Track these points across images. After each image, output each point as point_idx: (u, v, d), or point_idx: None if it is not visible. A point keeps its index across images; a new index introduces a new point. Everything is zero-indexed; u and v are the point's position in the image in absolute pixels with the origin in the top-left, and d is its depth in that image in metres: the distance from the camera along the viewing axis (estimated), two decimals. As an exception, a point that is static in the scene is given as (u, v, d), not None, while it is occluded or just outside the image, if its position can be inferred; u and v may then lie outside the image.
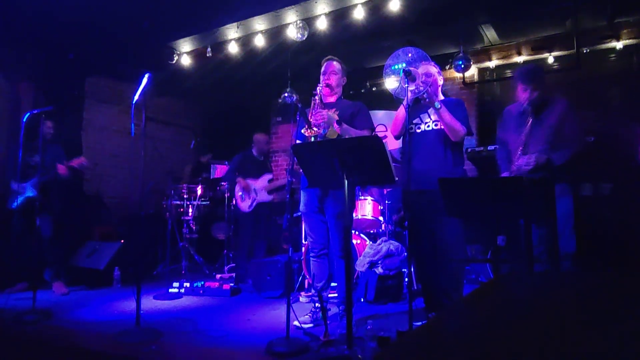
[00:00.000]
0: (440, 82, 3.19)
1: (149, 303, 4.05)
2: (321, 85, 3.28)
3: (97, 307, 3.97)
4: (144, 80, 3.27)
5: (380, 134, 5.66)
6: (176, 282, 4.53)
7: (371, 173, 2.50)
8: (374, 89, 6.70)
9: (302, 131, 3.07)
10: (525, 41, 5.72)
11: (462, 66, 5.64)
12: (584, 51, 5.37)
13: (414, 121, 3.16)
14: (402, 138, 3.18)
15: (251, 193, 5.27)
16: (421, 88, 2.88)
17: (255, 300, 4.23)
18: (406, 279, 4.08)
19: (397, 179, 2.50)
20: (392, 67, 2.98)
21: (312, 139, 3.02)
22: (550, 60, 5.74)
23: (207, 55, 5.64)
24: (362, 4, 4.65)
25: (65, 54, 5.71)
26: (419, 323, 2.86)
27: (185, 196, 5.82)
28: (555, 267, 2.91)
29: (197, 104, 8.16)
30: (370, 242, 4.41)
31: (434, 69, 3.09)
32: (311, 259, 3.36)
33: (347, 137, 3.05)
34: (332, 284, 3.40)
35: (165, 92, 7.04)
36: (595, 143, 4.10)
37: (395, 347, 1.10)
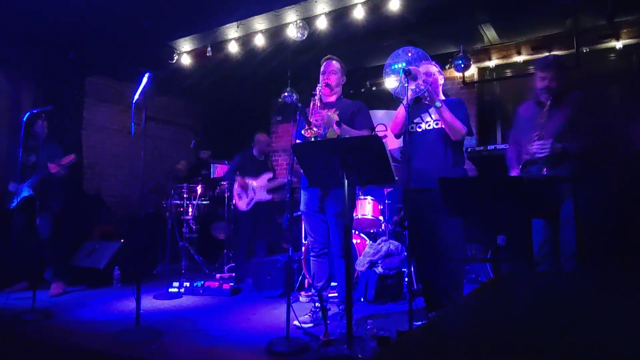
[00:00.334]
0: (441, 81, 3.18)
1: (149, 302, 4.05)
2: (321, 85, 3.28)
3: (97, 306, 3.97)
4: (144, 80, 3.27)
5: (380, 134, 5.66)
6: (176, 281, 4.53)
7: (371, 172, 2.50)
8: (373, 88, 6.70)
9: (302, 132, 3.07)
10: (525, 41, 5.72)
11: (462, 66, 5.64)
12: (584, 51, 5.37)
13: (415, 120, 3.16)
14: (402, 137, 3.17)
15: (249, 192, 5.27)
16: (422, 87, 2.87)
17: (255, 300, 4.23)
18: (406, 279, 4.09)
19: (397, 178, 2.50)
20: (392, 67, 2.98)
21: (312, 139, 3.02)
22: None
23: (207, 54, 5.64)
24: (362, 3, 4.64)
25: (66, 54, 5.71)
26: (419, 323, 2.87)
27: (185, 196, 5.83)
28: (558, 267, 2.91)
29: (197, 104, 8.16)
30: (370, 242, 4.41)
31: (434, 68, 3.09)
32: (311, 258, 3.36)
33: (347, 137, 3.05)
34: (332, 284, 3.40)
35: (165, 92, 7.04)
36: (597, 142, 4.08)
37: (395, 347, 1.10)
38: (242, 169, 5.36)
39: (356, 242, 4.50)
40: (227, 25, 5.15)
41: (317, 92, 3.23)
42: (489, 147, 4.82)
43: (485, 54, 6.09)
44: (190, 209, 5.84)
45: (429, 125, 3.11)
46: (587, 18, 5.03)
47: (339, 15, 4.83)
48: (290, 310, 2.70)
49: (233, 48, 5.51)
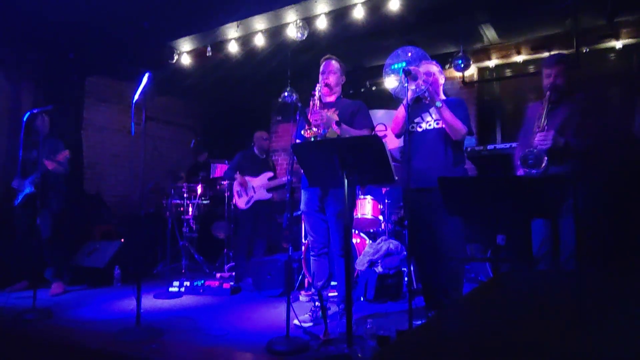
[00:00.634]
0: (442, 80, 3.19)
1: (149, 302, 4.06)
2: (320, 84, 3.28)
3: (97, 306, 3.97)
4: (144, 80, 3.27)
5: (380, 133, 5.66)
6: (176, 281, 4.53)
7: (371, 172, 2.51)
8: (373, 88, 6.70)
9: (302, 132, 3.07)
10: (524, 40, 5.72)
11: (462, 65, 5.64)
12: (584, 50, 5.37)
13: (415, 120, 3.16)
14: (402, 137, 3.18)
15: (249, 190, 5.27)
16: (422, 87, 2.88)
17: (255, 299, 4.23)
18: (406, 278, 4.09)
19: (396, 178, 2.50)
20: (392, 67, 2.99)
21: (312, 139, 3.02)
22: (550, 59, 5.74)
23: (207, 54, 5.65)
24: (361, 3, 4.65)
25: (66, 54, 5.71)
26: (419, 322, 2.87)
27: (185, 195, 5.83)
28: (557, 267, 2.91)
29: (197, 103, 8.16)
30: (370, 241, 4.42)
31: (435, 68, 3.10)
32: (311, 257, 3.37)
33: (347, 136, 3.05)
34: (332, 283, 3.41)
35: (165, 92, 7.04)
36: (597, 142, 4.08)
37: (394, 346, 1.11)
38: (243, 167, 5.37)
39: (356, 242, 4.50)
40: (227, 25, 5.15)
41: (317, 92, 3.23)
42: (488, 147, 4.82)
43: (485, 53, 6.09)
44: (190, 209, 5.84)
45: (429, 125, 3.12)
46: (587, 18, 5.03)
47: (339, 15, 4.83)
48: (290, 309, 2.70)
49: (233, 48, 5.51)
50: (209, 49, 5.61)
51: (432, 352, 0.81)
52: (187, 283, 4.49)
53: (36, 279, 3.95)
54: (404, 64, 2.92)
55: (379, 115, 5.90)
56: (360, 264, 4.12)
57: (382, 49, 5.20)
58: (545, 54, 5.72)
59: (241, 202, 5.30)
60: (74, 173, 4.74)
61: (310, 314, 3.28)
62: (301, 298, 4.11)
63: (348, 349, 2.33)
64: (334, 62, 3.38)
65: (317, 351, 2.61)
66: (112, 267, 4.95)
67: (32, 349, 3.00)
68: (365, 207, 4.61)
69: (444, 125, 3.01)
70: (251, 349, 2.71)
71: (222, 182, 5.92)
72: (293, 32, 5.02)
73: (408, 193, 2.94)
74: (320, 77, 3.34)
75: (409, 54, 2.96)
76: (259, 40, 5.33)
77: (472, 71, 6.27)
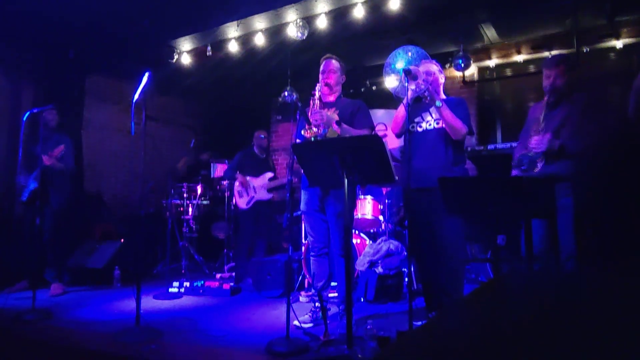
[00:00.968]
0: (442, 80, 3.17)
1: (149, 302, 4.05)
2: (320, 84, 3.27)
3: (97, 306, 3.97)
4: (144, 79, 3.27)
5: (380, 133, 5.65)
6: (176, 281, 4.53)
7: (371, 172, 2.50)
8: (373, 87, 6.69)
9: (302, 132, 3.06)
10: (525, 40, 5.71)
11: (462, 65, 5.63)
12: (584, 50, 5.37)
13: (415, 120, 3.15)
14: (402, 137, 3.17)
15: (249, 190, 5.27)
16: (422, 87, 2.87)
17: (255, 300, 4.23)
18: (406, 279, 4.08)
19: (397, 178, 2.49)
20: (392, 66, 2.98)
21: (312, 139, 3.01)
22: (550, 59, 5.73)
23: (207, 54, 5.64)
24: (362, 2, 4.64)
25: (65, 53, 5.70)
26: (419, 323, 2.86)
27: (185, 195, 5.83)
28: (557, 267, 2.90)
29: (198, 103, 8.15)
30: (370, 242, 4.41)
31: (435, 67, 3.08)
32: (311, 258, 3.36)
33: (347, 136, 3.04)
34: (332, 284, 3.40)
35: (165, 91, 7.03)
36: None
37: (395, 347, 1.10)
38: (243, 166, 5.36)
39: (356, 242, 4.49)
40: (227, 24, 5.14)
41: (317, 92, 3.22)
42: (489, 147, 4.82)
43: (485, 53, 6.09)
44: (190, 209, 5.84)
45: (430, 125, 3.11)
46: (587, 17, 5.03)
47: (339, 14, 4.82)
48: (290, 310, 2.70)
49: (233, 47, 5.51)
50: (209, 48, 5.61)
51: (432, 353, 0.81)
52: (186, 283, 4.48)
53: (36, 279, 3.95)
54: (404, 64, 2.91)
55: (379, 114, 5.90)
56: (361, 264, 4.12)
57: (382, 48, 5.20)
58: (546, 54, 5.71)
59: (242, 202, 5.30)
60: (75, 169, 4.72)
61: (310, 314, 3.28)
62: (301, 299, 4.11)
63: (348, 350, 2.33)
64: (334, 61, 3.37)
65: (317, 352, 2.61)
66: (112, 268, 4.94)
67: (32, 350, 3.00)
68: (366, 207, 4.60)
69: (444, 125, 3.00)
70: (251, 349, 2.71)
71: (222, 182, 5.91)
72: (293, 32, 5.01)
73: (408, 193, 2.93)
74: (321, 77, 3.32)
75: (409, 54, 2.95)
76: (259, 40, 5.33)
77: (472, 70, 6.26)
